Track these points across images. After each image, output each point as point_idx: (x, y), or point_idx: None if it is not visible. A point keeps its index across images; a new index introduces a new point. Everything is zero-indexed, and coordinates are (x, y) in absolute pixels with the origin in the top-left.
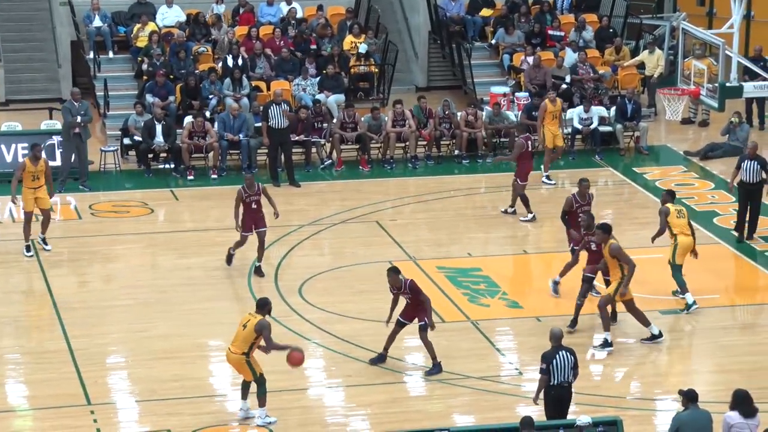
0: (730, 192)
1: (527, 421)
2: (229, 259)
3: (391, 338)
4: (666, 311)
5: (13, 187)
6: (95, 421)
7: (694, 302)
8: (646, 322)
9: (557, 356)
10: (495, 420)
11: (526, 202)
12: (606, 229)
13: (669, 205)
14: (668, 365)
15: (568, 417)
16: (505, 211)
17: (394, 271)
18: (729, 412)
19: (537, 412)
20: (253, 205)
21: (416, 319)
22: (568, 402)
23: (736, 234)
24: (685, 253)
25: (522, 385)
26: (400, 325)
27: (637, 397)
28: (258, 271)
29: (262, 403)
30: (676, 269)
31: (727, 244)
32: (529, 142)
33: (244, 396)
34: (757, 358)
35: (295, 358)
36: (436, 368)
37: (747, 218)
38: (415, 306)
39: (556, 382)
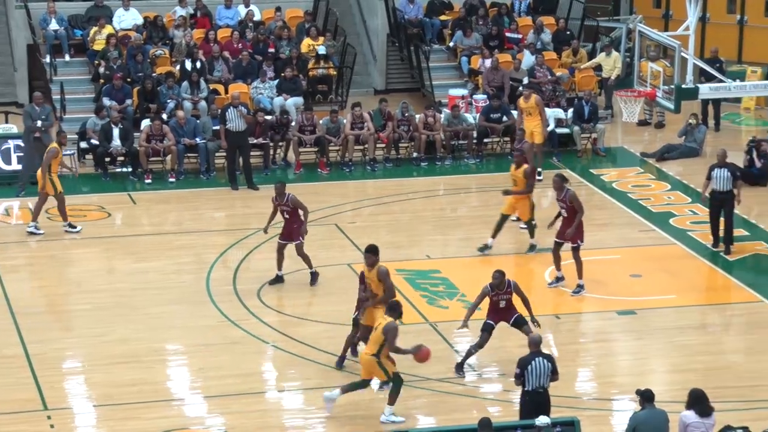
0: (702, 203)
1: (485, 422)
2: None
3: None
4: (623, 312)
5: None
6: (52, 426)
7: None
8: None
9: (533, 362)
10: (454, 421)
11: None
12: (374, 251)
13: None
14: (625, 365)
15: None
16: (518, 218)
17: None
18: (685, 412)
19: (495, 414)
20: (285, 215)
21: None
22: (545, 407)
23: (711, 245)
24: None
25: (481, 387)
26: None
27: (594, 397)
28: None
29: (391, 401)
30: None
31: (683, 245)
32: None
33: (392, 402)
34: (713, 358)
35: (424, 355)
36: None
37: (720, 227)
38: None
39: (531, 387)
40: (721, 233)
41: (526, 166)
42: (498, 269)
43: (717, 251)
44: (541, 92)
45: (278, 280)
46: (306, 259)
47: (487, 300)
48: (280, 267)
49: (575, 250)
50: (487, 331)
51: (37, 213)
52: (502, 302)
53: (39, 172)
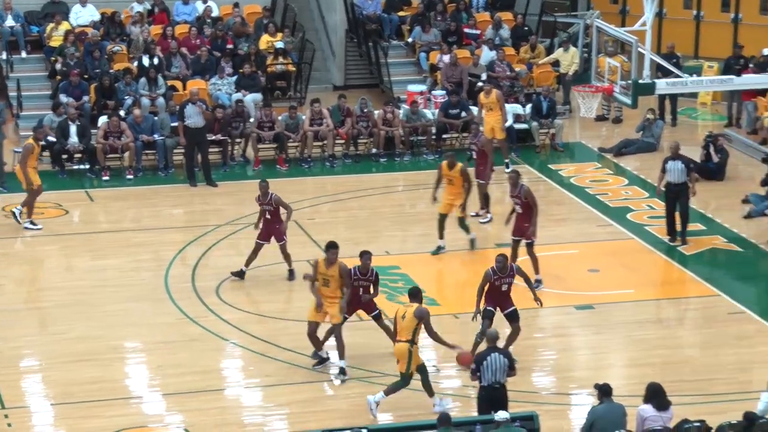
0: (657, 196)
1: (444, 417)
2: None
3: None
4: (581, 306)
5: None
6: (9, 425)
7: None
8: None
9: (488, 358)
10: (412, 417)
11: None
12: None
13: None
14: (583, 360)
15: None
16: (476, 214)
17: (366, 253)
18: (643, 405)
19: (454, 409)
20: (267, 215)
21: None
22: (502, 403)
23: (668, 240)
24: None
25: (439, 382)
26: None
27: (552, 392)
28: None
29: (389, 392)
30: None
31: (640, 239)
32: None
33: (431, 393)
34: (671, 352)
35: (465, 359)
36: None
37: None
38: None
39: (487, 383)
40: (678, 227)
41: (460, 164)
42: (501, 253)
43: (674, 245)
44: (500, 87)
45: (240, 275)
46: (288, 257)
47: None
48: (248, 264)
49: (530, 246)
50: (488, 318)
51: (30, 209)
52: (504, 286)
53: (17, 169)
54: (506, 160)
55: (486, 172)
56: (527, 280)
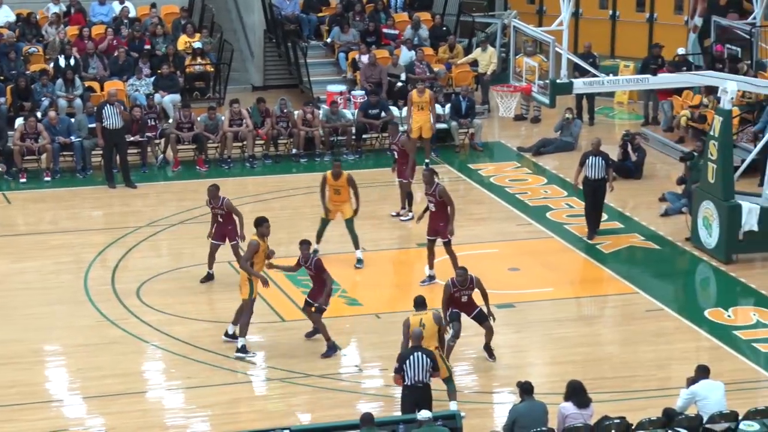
0: (575, 191)
1: (367, 417)
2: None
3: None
4: (501, 305)
5: None
6: None
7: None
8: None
9: (411, 357)
10: (335, 417)
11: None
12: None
13: None
14: (504, 358)
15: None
16: (397, 214)
17: (304, 243)
18: (564, 403)
19: (377, 409)
20: (219, 218)
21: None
22: (426, 402)
23: (586, 237)
24: None
25: (362, 382)
26: (309, 305)
27: (475, 390)
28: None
29: (454, 396)
30: None
31: (559, 238)
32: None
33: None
34: (591, 349)
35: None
36: (331, 350)
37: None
38: (319, 285)
39: (410, 382)
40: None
41: (346, 174)
42: (461, 266)
43: (593, 244)
44: (432, 88)
45: (209, 278)
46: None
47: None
48: (210, 266)
49: (447, 245)
50: (456, 320)
51: None
52: (463, 298)
53: None
54: (427, 160)
55: (408, 172)
56: (485, 295)
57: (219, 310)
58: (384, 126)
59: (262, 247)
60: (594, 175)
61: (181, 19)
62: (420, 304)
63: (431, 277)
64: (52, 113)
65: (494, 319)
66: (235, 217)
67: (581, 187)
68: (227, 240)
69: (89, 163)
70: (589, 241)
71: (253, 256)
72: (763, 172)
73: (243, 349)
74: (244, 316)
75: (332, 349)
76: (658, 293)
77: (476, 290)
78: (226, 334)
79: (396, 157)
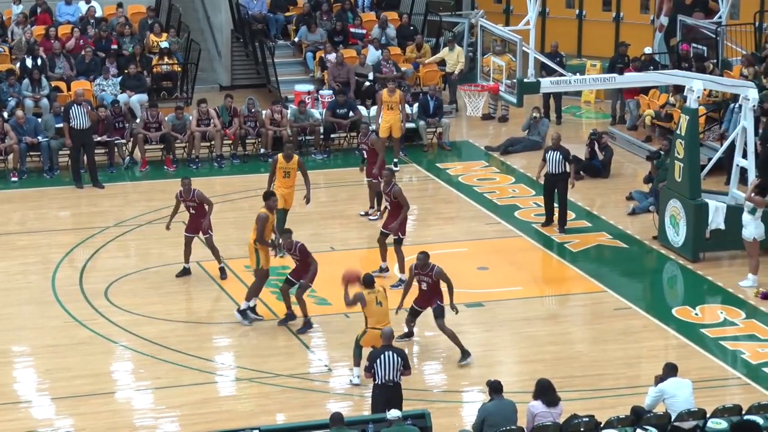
0: (537, 182)
1: (337, 417)
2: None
3: (287, 298)
4: (471, 304)
5: None
6: None
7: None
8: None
9: (382, 356)
10: (305, 417)
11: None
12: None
13: None
14: (474, 357)
15: None
16: (366, 213)
17: (287, 232)
18: (533, 402)
19: (346, 409)
20: (191, 210)
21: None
22: (396, 401)
23: (541, 224)
24: None
25: (331, 382)
26: (288, 283)
27: (444, 389)
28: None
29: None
30: None
31: (528, 237)
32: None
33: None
34: (560, 348)
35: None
36: (306, 326)
37: (554, 209)
38: (303, 267)
39: (381, 381)
40: (556, 217)
41: (297, 157)
42: (422, 251)
43: (561, 242)
44: (401, 88)
45: (185, 272)
46: (216, 251)
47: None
48: (187, 260)
49: (397, 243)
50: (412, 316)
51: None
52: (423, 284)
53: None
54: (395, 159)
55: (377, 171)
56: (449, 286)
57: (187, 310)
58: (352, 125)
59: (271, 219)
60: (554, 169)
61: (147, 19)
62: (370, 282)
63: (383, 269)
64: (19, 113)
65: (457, 311)
66: (206, 206)
67: (542, 182)
68: (201, 233)
69: (56, 163)
70: (543, 229)
71: (265, 227)
72: (729, 171)
73: (243, 312)
74: (254, 283)
75: (307, 325)
76: (626, 292)
77: (440, 282)
78: (238, 311)
79: (365, 156)
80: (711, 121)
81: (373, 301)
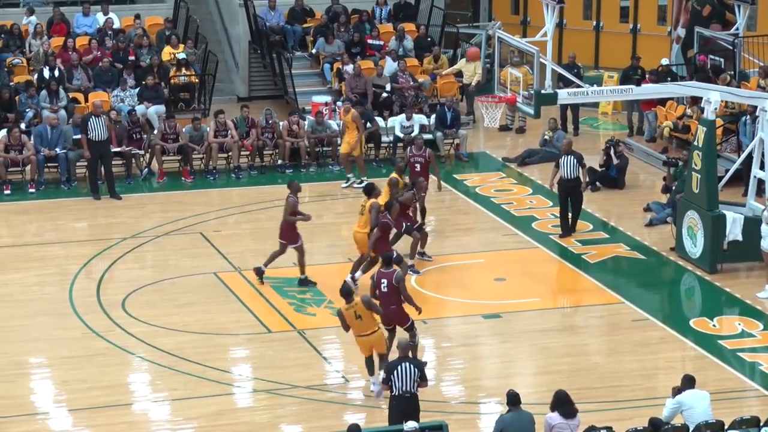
0: (551, 190)
1: (354, 428)
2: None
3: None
4: (488, 315)
5: None
6: None
7: None
8: None
9: (399, 367)
10: (322, 428)
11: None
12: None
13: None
14: (491, 369)
15: None
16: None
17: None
18: (550, 413)
19: (363, 420)
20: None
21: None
22: (413, 413)
23: (558, 236)
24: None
25: (348, 393)
26: None
27: (461, 401)
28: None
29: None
30: None
31: (545, 248)
32: None
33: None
34: (577, 359)
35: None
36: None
37: (569, 219)
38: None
39: (398, 392)
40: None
41: (353, 111)
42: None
43: (579, 254)
44: (404, 98)
45: (259, 272)
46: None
47: None
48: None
49: (407, 233)
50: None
51: None
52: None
53: None
54: (363, 178)
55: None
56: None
57: (204, 321)
58: (370, 136)
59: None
60: (568, 174)
61: (165, 30)
62: (348, 293)
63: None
64: (52, 115)
65: (419, 311)
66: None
67: (555, 190)
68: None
69: (74, 174)
70: (560, 240)
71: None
72: (747, 182)
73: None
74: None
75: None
76: (643, 303)
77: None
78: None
79: (417, 169)
80: (728, 133)
81: (351, 315)
